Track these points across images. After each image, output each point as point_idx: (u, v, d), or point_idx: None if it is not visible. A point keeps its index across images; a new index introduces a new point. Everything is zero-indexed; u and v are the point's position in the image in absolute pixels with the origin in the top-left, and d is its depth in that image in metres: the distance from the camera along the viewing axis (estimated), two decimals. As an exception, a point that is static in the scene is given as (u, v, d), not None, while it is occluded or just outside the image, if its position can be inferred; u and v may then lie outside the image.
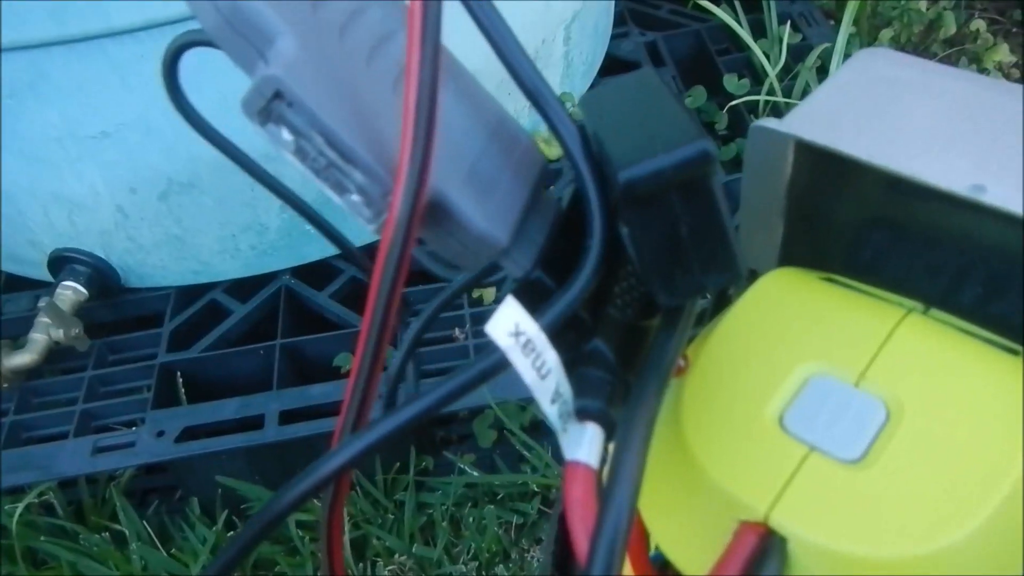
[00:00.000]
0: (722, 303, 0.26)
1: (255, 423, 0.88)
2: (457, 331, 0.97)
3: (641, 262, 0.18)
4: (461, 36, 0.18)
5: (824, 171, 0.24)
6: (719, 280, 0.18)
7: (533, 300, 0.18)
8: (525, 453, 0.96)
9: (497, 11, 0.17)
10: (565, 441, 0.18)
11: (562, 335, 0.18)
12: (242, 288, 1.02)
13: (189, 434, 0.89)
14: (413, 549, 0.92)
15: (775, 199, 0.25)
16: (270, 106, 0.15)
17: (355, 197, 0.16)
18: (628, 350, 0.20)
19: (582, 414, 0.18)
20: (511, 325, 0.16)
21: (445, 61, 0.18)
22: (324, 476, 0.17)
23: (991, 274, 0.24)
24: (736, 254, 0.18)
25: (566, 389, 0.18)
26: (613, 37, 1.26)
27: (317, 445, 0.91)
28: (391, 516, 0.94)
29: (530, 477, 0.94)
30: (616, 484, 0.16)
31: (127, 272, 1.01)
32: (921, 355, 0.23)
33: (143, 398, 0.92)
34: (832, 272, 0.26)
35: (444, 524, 0.93)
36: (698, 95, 1.14)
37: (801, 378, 0.22)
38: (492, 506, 0.94)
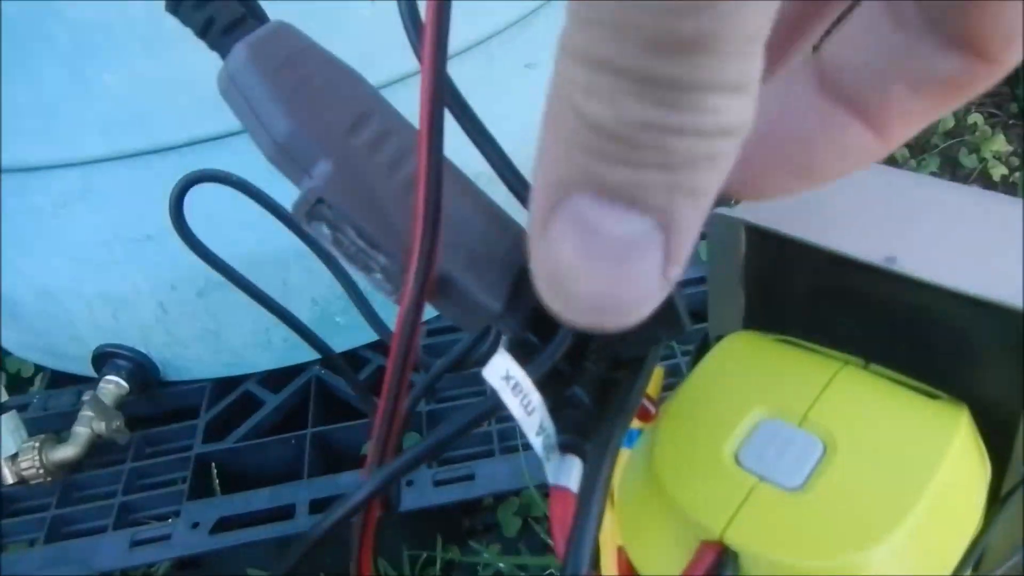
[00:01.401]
0: (696, 364, 0.30)
1: (286, 513, 0.91)
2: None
3: None
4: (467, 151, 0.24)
5: (772, 249, 0.29)
6: (668, 333, 0.22)
7: (524, 354, 0.22)
8: (549, 541, 0.97)
9: (491, 138, 0.22)
10: (549, 469, 0.22)
11: (547, 384, 0.22)
12: (275, 379, 1.06)
13: (223, 525, 0.91)
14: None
15: (734, 274, 0.30)
16: (313, 209, 0.20)
17: (378, 275, 0.21)
18: (602, 396, 0.24)
19: (563, 447, 0.22)
20: (503, 370, 0.20)
21: (449, 170, 0.24)
22: (356, 503, 0.22)
23: (913, 331, 0.28)
24: (680, 312, 0.22)
25: (549, 425, 0.22)
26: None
27: (345, 533, 0.93)
28: (419, 605, 0.94)
29: (556, 563, 0.95)
30: (587, 498, 0.20)
31: (165, 366, 1.05)
32: (853, 399, 0.27)
33: (179, 489, 0.95)
34: (788, 334, 0.30)
35: (470, 611, 0.94)
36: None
37: (754, 421, 0.26)
38: (517, 592, 0.95)
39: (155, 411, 1.08)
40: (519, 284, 0.23)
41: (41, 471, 0.97)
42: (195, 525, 0.92)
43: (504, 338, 0.23)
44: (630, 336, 0.20)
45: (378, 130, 0.22)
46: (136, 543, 0.91)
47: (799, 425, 0.26)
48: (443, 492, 0.91)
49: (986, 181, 1.54)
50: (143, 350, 1.03)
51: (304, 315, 1.01)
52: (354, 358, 1.06)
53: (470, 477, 0.92)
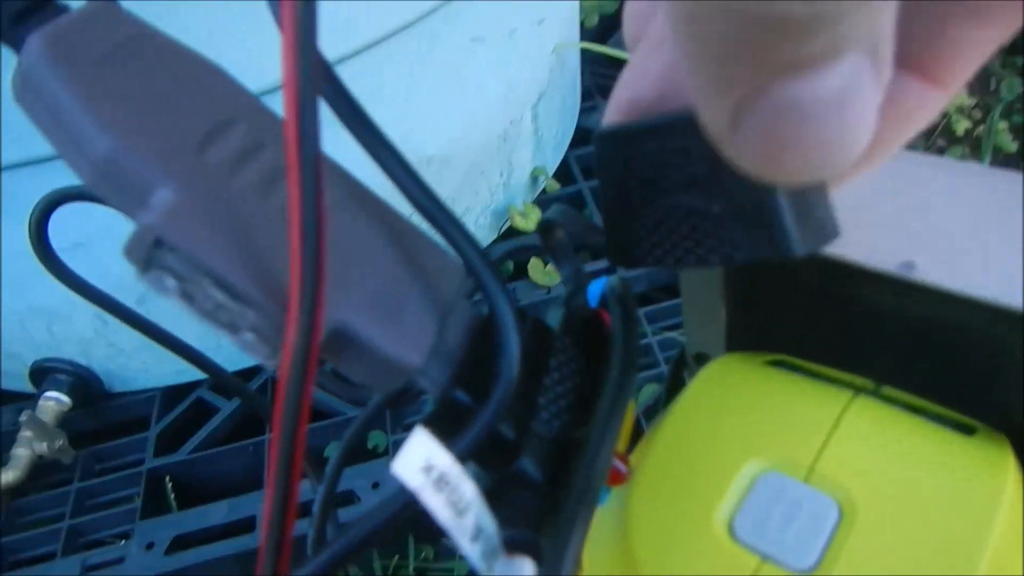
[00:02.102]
0: (673, 391, 0.25)
1: (246, 525, 0.86)
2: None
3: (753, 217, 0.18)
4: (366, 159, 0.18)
5: (775, 261, 0.24)
6: (775, 249, 0.18)
7: (452, 420, 0.17)
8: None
9: (373, 125, 0.17)
10: (492, 579, 0.17)
11: (484, 457, 0.17)
12: (227, 384, 1.01)
13: (179, 543, 0.86)
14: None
15: (712, 286, 0.25)
16: (151, 254, 0.15)
17: (249, 336, 0.16)
18: (556, 466, 0.19)
19: (510, 546, 0.17)
20: (421, 460, 0.15)
21: (342, 183, 0.18)
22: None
23: (933, 349, 0.23)
24: (787, 225, 0.17)
25: (488, 523, 0.17)
26: (582, 110, 1.28)
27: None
28: (392, 612, 0.91)
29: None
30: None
31: (110, 377, 1.00)
32: (871, 443, 0.22)
33: (132, 507, 0.90)
34: (783, 352, 0.25)
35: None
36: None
37: (749, 477, 0.21)
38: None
39: (102, 425, 1.03)
40: (446, 324, 0.18)
41: (-20, 498, 0.91)
42: (150, 545, 0.87)
43: (423, 407, 0.17)
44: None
45: (244, 143, 0.17)
46: (88, 568, 0.86)
47: (806, 480, 0.21)
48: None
49: (949, 136, 1.52)
50: (84, 363, 0.97)
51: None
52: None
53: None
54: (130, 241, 0.15)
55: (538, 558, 0.17)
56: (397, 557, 0.96)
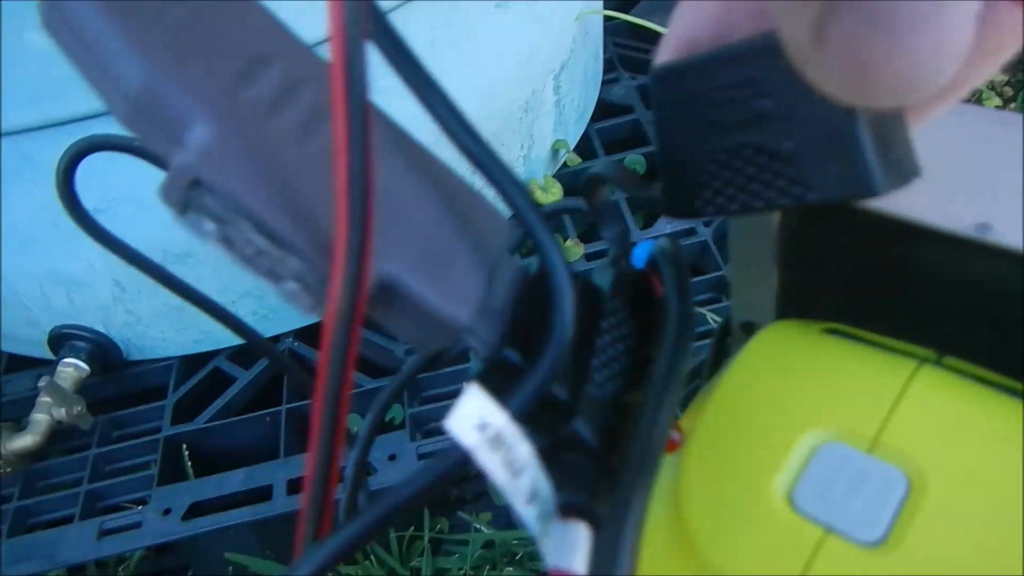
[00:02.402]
0: (718, 361, 0.24)
1: (263, 494, 0.86)
2: (465, 386, 0.95)
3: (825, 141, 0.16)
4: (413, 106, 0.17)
5: (816, 216, 0.22)
6: (856, 189, 0.16)
7: (502, 381, 0.16)
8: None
9: (426, 70, 0.16)
10: (547, 545, 0.16)
11: (536, 419, 0.16)
12: (245, 354, 1.01)
13: (196, 510, 0.86)
14: (431, 617, 0.89)
15: (765, 246, 0.24)
16: (188, 195, 0.14)
17: (291, 285, 0.15)
18: (612, 431, 0.18)
19: (565, 510, 0.16)
20: (475, 417, 0.14)
21: (387, 130, 0.17)
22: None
23: (1005, 317, 0.22)
24: (870, 161, 0.16)
25: (544, 486, 0.16)
26: (604, 82, 1.26)
27: (327, 513, 0.88)
28: (408, 584, 0.91)
29: (548, 533, 0.91)
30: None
31: (128, 345, 1.00)
32: (939, 414, 0.20)
33: (149, 474, 0.91)
34: (835, 321, 0.24)
35: (462, 588, 0.90)
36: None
37: (810, 446, 0.20)
38: (511, 568, 0.91)
39: (120, 392, 1.03)
40: (494, 281, 0.17)
41: (0, 462, 0.91)
42: (167, 511, 0.88)
43: (474, 363, 0.17)
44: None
45: (283, 79, 0.15)
46: (105, 532, 0.86)
47: (870, 451, 0.20)
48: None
49: (980, 115, 1.48)
50: (102, 330, 0.97)
51: (252, 290, 0.95)
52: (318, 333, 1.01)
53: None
54: (166, 181, 0.14)
55: (594, 523, 0.16)
56: (412, 528, 0.96)
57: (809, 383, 0.21)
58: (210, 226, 0.14)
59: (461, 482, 0.98)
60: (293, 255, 0.14)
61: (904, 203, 0.20)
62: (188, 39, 0.15)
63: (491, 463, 0.14)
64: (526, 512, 0.15)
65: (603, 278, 0.20)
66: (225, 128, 0.14)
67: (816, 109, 0.14)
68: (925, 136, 0.22)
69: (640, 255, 0.22)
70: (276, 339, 1.01)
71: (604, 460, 0.17)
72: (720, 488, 0.20)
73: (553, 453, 0.17)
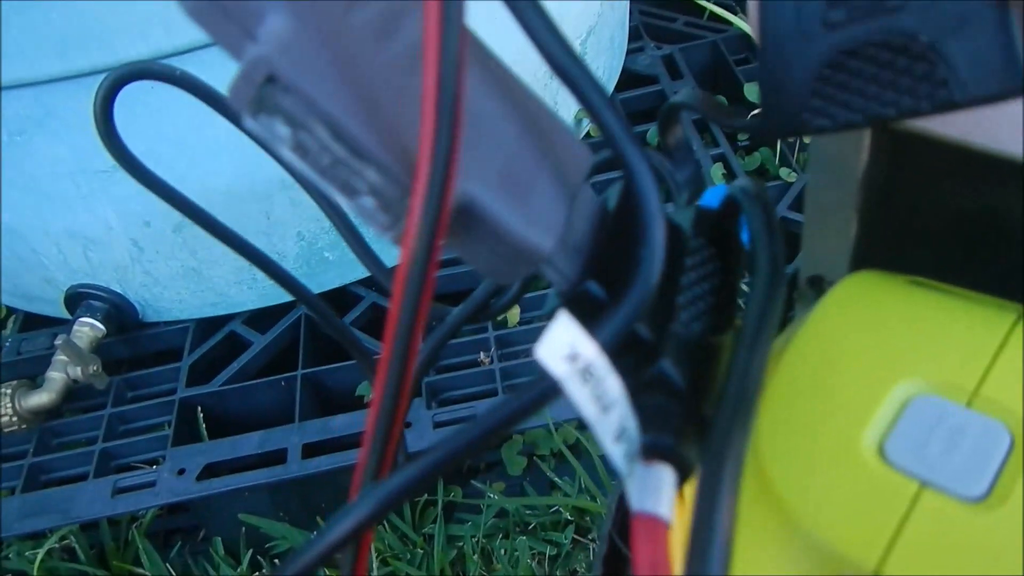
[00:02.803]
0: (783, 320, 0.23)
1: (278, 457, 0.86)
2: (482, 355, 0.94)
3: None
4: (490, 25, 0.16)
5: (908, 156, 0.21)
6: (1007, 84, 0.15)
7: (582, 316, 0.15)
8: (556, 479, 0.93)
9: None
10: (632, 486, 0.15)
11: (620, 358, 0.15)
12: (261, 318, 1.00)
13: (210, 471, 0.86)
14: (444, 584, 0.88)
15: (847, 193, 0.22)
16: (262, 93, 0.13)
17: (367, 200, 0.14)
18: (698, 373, 0.17)
19: (650, 452, 0.15)
20: (565, 347, 0.13)
21: (471, 44, 0.16)
22: (344, 533, 0.15)
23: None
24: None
25: (632, 423, 0.15)
26: (629, 52, 1.23)
27: (341, 480, 0.88)
28: (420, 551, 0.91)
29: (561, 501, 0.91)
30: (705, 544, 0.13)
31: (144, 306, 0.99)
32: None
33: (163, 435, 0.90)
34: (917, 274, 0.22)
35: (475, 557, 0.90)
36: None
37: (901, 399, 0.19)
38: (524, 537, 0.91)
39: (135, 353, 1.03)
40: (573, 212, 0.16)
41: (15, 418, 0.91)
42: (181, 471, 0.87)
43: (554, 293, 0.15)
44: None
45: None
46: (119, 490, 0.86)
47: (969, 405, 0.19)
48: (444, 434, 0.86)
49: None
50: (119, 290, 0.96)
51: (290, 250, 0.94)
52: (345, 296, 1.00)
53: (472, 419, 0.87)
54: (237, 79, 0.13)
55: (679, 467, 0.15)
56: (426, 495, 0.95)
57: (899, 332, 0.20)
58: (284, 130, 0.13)
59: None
60: (372, 166, 0.13)
61: (1008, 139, 0.19)
62: None
63: (581, 395, 0.13)
64: (614, 450, 0.14)
65: (682, 217, 0.19)
66: (303, 19, 0.13)
67: (958, 0, 0.12)
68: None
69: (712, 197, 0.21)
70: (291, 305, 1.00)
71: (691, 402, 0.16)
72: (804, 441, 0.19)
73: (637, 395, 0.16)
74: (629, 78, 1.20)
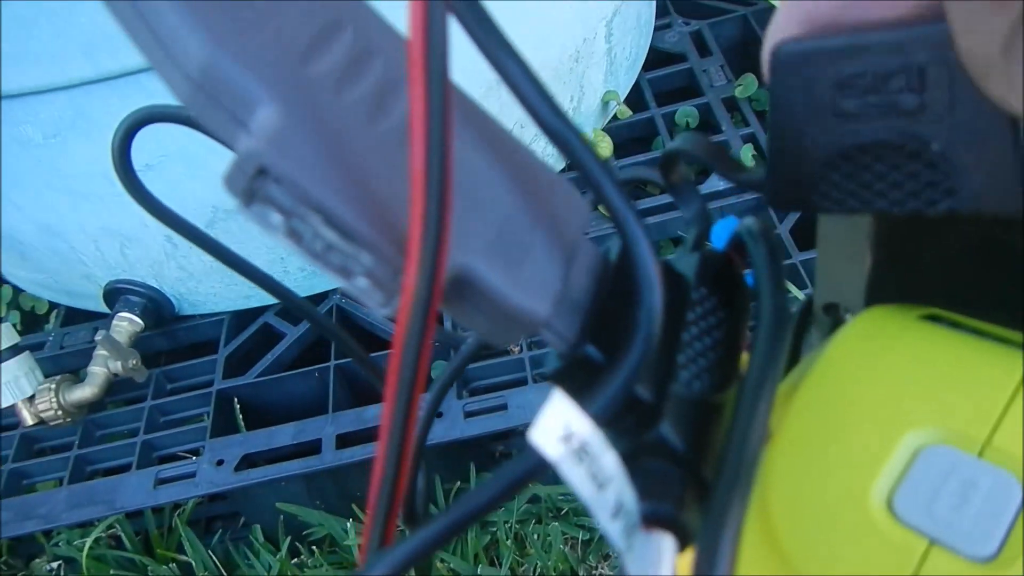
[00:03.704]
0: (797, 347, 0.23)
1: (312, 448, 0.88)
2: (517, 348, 0.95)
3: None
4: (471, 68, 0.16)
5: None
6: None
7: (581, 379, 0.15)
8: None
9: (511, 48, 0.14)
10: (631, 560, 0.15)
11: (619, 421, 0.15)
12: (296, 308, 1.01)
13: (248, 462, 0.88)
14: (478, 570, 0.90)
15: (860, 222, 0.22)
16: (254, 185, 0.13)
17: (362, 281, 0.14)
18: (700, 434, 0.17)
19: (650, 520, 0.15)
20: (560, 428, 0.13)
21: (460, 106, 0.16)
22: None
23: None
24: None
25: (629, 497, 0.15)
26: (656, 29, 1.21)
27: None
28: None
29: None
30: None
31: (180, 300, 1.01)
32: None
33: (202, 426, 0.93)
34: (934, 303, 0.22)
35: (508, 543, 0.91)
36: (749, 83, 1.09)
37: (911, 448, 0.18)
38: (556, 522, 0.92)
39: (173, 346, 1.05)
40: (571, 271, 0.16)
41: (60, 412, 0.94)
42: (220, 462, 0.89)
43: (553, 362, 0.15)
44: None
45: (351, 51, 0.14)
46: (161, 481, 0.89)
47: (981, 455, 0.18)
48: (474, 424, 0.87)
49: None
50: (155, 285, 0.98)
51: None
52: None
53: (503, 407, 0.88)
54: (231, 170, 0.13)
55: (679, 535, 0.15)
56: (459, 482, 0.97)
57: (911, 377, 0.20)
58: (277, 218, 0.13)
59: (506, 438, 0.98)
60: (365, 250, 0.13)
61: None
62: (251, 12, 0.13)
63: (576, 476, 0.13)
64: (612, 527, 0.14)
65: (686, 264, 0.19)
66: (292, 109, 0.13)
67: (976, 115, 0.12)
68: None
69: (720, 233, 0.20)
70: (324, 295, 1.01)
71: (692, 465, 0.16)
72: (812, 492, 0.18)
73: (637, 458, 0.16)
74: (657, 56, 1.18)
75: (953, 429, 0.18)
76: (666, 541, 0.15)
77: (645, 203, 1.00)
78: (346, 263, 0.13)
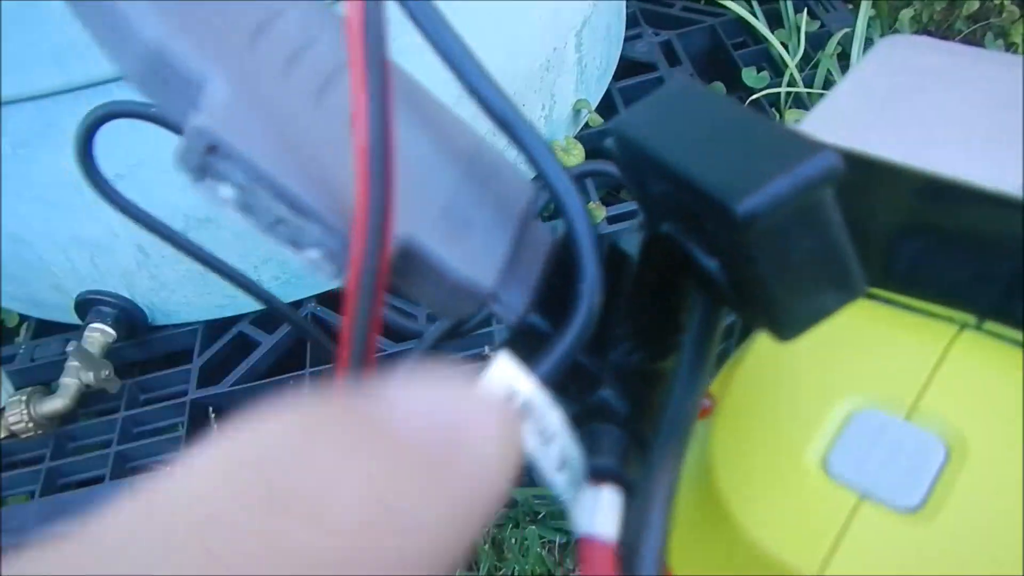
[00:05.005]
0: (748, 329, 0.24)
1: (288, 456, 0.88)
2: (487, 348, 0.95)
3: (752, 298, 0.16)
4: (428, 59, 0.16)
5: (851, 176, 0.21)
6: (841, 299, 0.16)
7: (529, 348, 0.16)
8: (564, 469, 0.94)
9: (452, 31, 0.15)
10: (577, 511, 0.16)
11: (564, 387, 0.16)
12: (268, 319, 1.01)
13: (223, 471, 0.88)
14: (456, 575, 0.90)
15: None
16: (205, 160, 0.13)
17: (313, 252, 0.14)
18: (640, 398, 0.17)
19: (595, 475, 0.16)
20: (503, 387, 0.14)
21: (406, 89, 0.17)
22: None
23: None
24: (856, 268, 0.16)
25: (573, 452, 0.16)
26: (626, 39, 1.23)
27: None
28: (431, 543, 0.92)
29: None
30: (637, 562, 0.14)
31: (153, 310, 1.00)
32: (980, 380, 0.20)
33: (177, 436, 0.92)
34: (871, 286, 0.23)
35: (486, 548, 0.91)
36: (717, 91, 1.11)
37: (844, 413, 0.20)
38: (534, 526, 0.92)
39: (146, 356, 1.04)
40: (518, 246, 0.17)
41: (31, 424, 0.93)
42: (196, 474, 0.89)
43: (498, 328, 0.16)
44: (792, 314, 0.14)
45: (296, 38, 0.15)
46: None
47: (908, 418, 0.19)
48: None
49: None
50: (127, 295, 0.98)
51: (287, 255, 0.95)
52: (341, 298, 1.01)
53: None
54: (181, 146, 0.13)
55: (624, 489, 0.16)
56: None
57: (845, 348, 0.21)
58: (228, 192, 0.14)
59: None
60: (314, 222, 0.14)
61: (944, 162, 0.20)
62: None
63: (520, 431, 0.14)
64: (556, 478, 0.15)
65: (631, 243, 0.20)
66: (240, 88, 0.14)
67: None
68: (966, 88, 0.21)
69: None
70: (298, 304, 1.01)
71: (633, 426, 0.17)
72: (752, 454, 0.19)
73: (583, 420, 0.16)
74: (628, 65, 1.20)
75: (883, 395, 0.20)
76: (610, 492, 0.16)
77: (618, 208, 1.02)
78: (296, 235, 0.14)
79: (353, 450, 0.11)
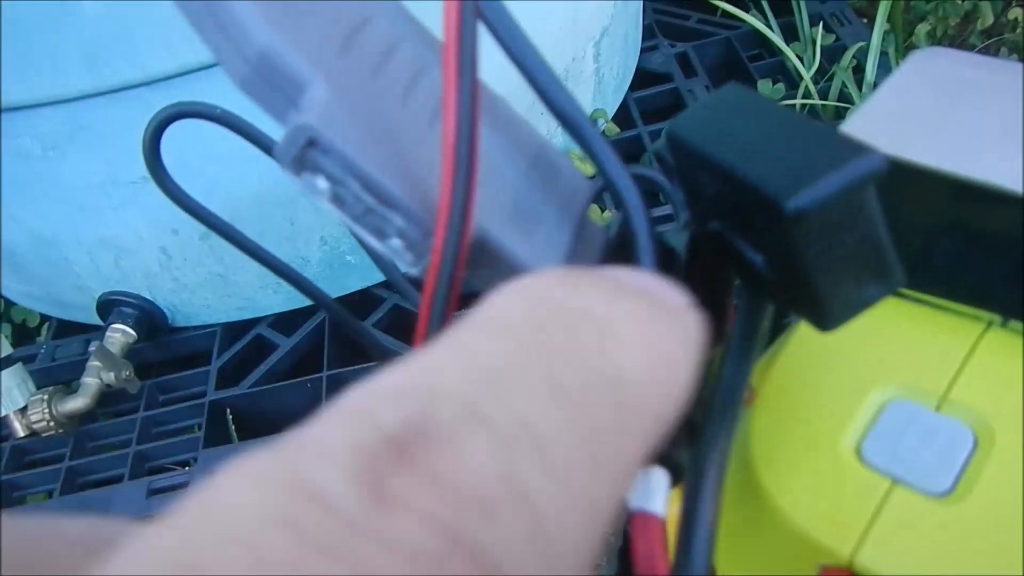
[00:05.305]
0: (780, 323, 0.25)
1: (305, 458, 0.89)
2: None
3: (797, 290, 0.17)
4: (490, 61, 0.18)
5: (886, 180, 0.23)
6: (881, 291, 0.17)
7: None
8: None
9: (528, 41, 0.16)
10: (631, 492, 0.17)
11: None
12: (287, 321, 1.02)
13: (241, 472, 0.89)
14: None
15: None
16: (304, 154, 0.15)
17: (396, 241, 0.16)
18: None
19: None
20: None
21: (481, 92, 0.18)
22: None
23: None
24: (895, 261, 0.17)
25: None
26: (643, 50, 1.25)
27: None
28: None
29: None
30: (690, 537, 0.15)
31: (173, 312, 1.02)
32: (1007, 373, 0.21)
33: (195, 437, 0.93)
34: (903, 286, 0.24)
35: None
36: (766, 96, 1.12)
37: (877, 404, 0.21)
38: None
39: (166, 357, 1.06)
40: (577, 241, 0.18)
41: (52, 423, 0.95)
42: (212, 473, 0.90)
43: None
44: (834, 305, 0.15)
45: (383, 41, 0.16)
46: (153, 492, 0.89)
47: (938, 409, 0.21)
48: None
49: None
50: (149, 296, 0.99)
51: (314, 255, 0.96)
52: (368, 298, 1.02)
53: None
54: (283, 142, 0.15)
55: (672, 469, 0.17)
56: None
57: (877, 342, 0.22)
58: (323, 185, 0.15)
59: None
60: (398, 213, 0.15)
61: (977, 166, 0.21)
62: (301, 4, 0.15)
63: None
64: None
65: (678, 240, 0.21)
66: (336, 89, 0.15)
67: None
68: (998, 97, 0.23)
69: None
70: (315, 308, 1.02)
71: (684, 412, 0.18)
72: (790, 442, 0.21)
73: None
74: (644, 76, 1.22)
75: (914, 387, 0.21)
76: (659, 474, 0.17)
77: (659, 211, 1.03)
78: (382, 225, 0.15)
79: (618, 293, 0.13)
